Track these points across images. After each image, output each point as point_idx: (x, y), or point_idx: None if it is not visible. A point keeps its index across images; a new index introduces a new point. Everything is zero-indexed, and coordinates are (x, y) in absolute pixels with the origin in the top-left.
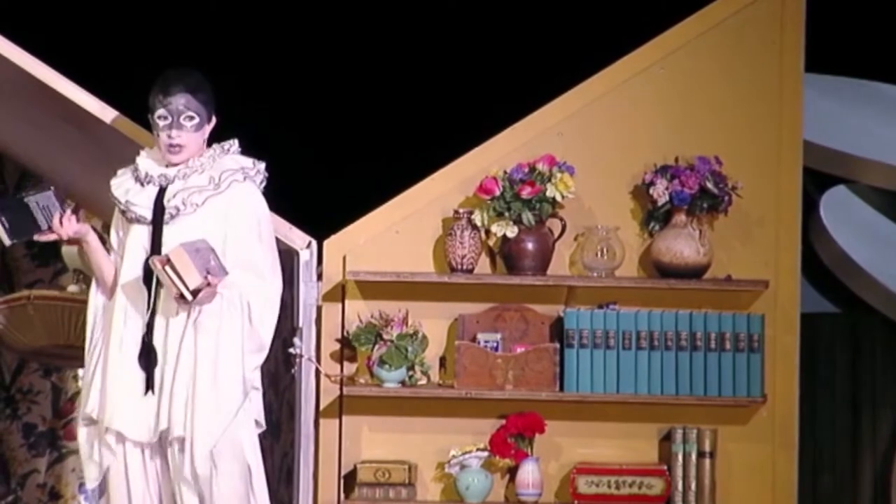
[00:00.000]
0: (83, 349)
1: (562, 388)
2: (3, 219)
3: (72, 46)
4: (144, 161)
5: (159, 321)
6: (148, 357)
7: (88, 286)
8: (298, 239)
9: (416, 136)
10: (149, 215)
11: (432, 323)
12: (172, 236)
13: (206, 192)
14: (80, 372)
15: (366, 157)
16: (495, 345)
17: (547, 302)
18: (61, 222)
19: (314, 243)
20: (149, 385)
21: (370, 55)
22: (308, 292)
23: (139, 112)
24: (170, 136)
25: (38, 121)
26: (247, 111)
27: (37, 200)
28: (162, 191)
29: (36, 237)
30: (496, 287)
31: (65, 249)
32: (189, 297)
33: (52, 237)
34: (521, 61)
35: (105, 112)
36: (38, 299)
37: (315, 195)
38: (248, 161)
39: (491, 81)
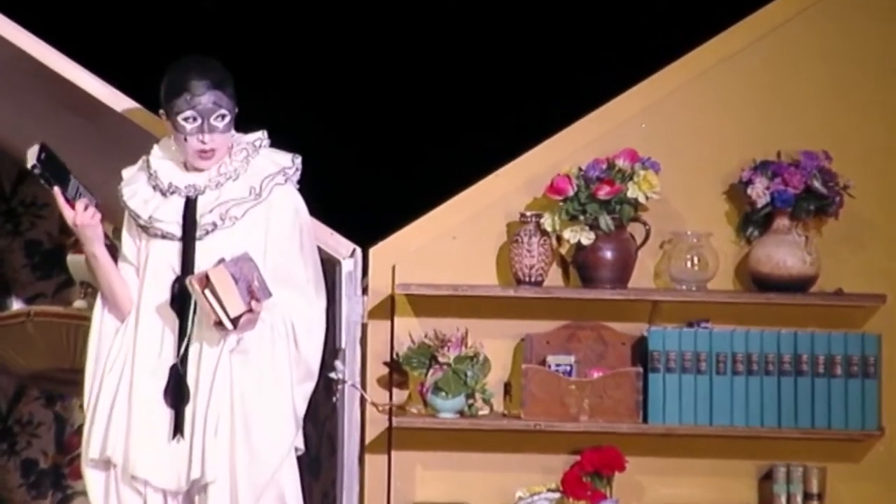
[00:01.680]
0: None
1: (645, 420)
2: (42, 154)
3: (78, 26)
4: (162, 164)
5: (191, 351)
6: (178, 393)
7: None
8: (341, 246)
9: (476, 128)
10: (178, 232)
11: (495, 343)
12: (207, 253)
13: (246, 203)
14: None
15: (417, 151)
16: (568, 369)
17: (628, 319)
18: (80, 207)
19: (358, 251)
20: (178, 426)
21: (421, 34)
22: (352, 308)
23: (155, 100)
24: (202, 141)
25: (40, 110)
26: (270, 98)
27: (78, 180)
28: (189, 201)
29: (55, 189)
30: (569, 302)
31: (70, 259)
32: (230, 326)
33: (64, 206)
34: (596, 42)
35: (116, 99)
36: (40, 316)
37: (358, 195)
38: (285, 158)
39: (562, 64)
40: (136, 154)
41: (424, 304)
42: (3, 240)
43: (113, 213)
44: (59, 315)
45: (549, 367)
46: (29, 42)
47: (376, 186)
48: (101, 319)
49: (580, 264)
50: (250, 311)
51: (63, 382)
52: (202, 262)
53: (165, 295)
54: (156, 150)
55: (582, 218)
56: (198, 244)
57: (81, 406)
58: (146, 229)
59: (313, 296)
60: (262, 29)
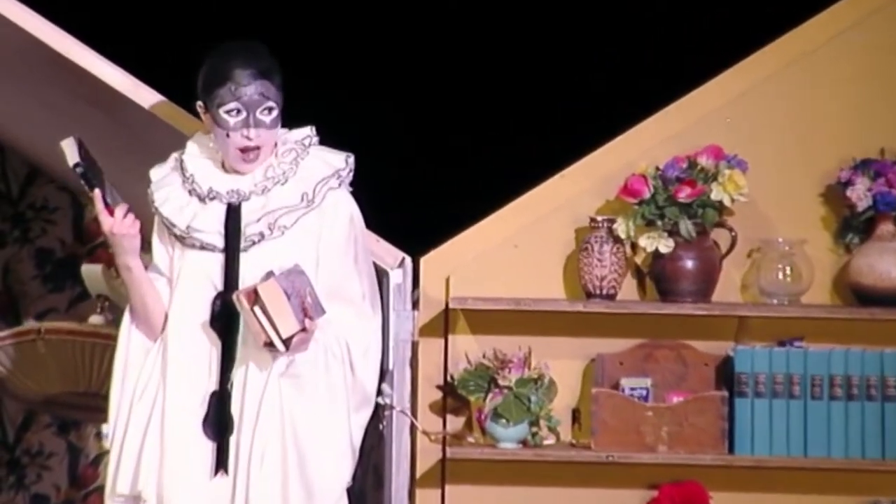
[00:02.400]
0: (108, 398)
1: (731, 450)
2: (81, 150)
3: (97, 10)
4: (198, 165)
5: (235, 375)
6: (220, 422)
7: (116, 317)
8: (388, 255)
9: (540, 123)
10: (220, 243)
11: (562, 364)
12: (252, 265)
13: (297, 211)
14: (105, 428)
15: (475, 148)
16: (644, 393)
17: (711, 337)
18: (119, 213)
19: (408, 261)
20: (220, 460)
21: (476, 22)
22: (401, 324)
23: (183, 93)
24: (248, 137)
25: (54, 103)
26: (310, 88)
27: (112, 184)
28: (232, 209)
29: (95, 192)
30: (645, 318)
31: (85, 269)
32: (282, 347)
33: (103, 212)
34: (676, 26)
35: (139, 92)
36: (51, 333)
37: (408, 196)
38: (338, 158)
39: (636, 51)
40: (160, 152)
41: (482, 320)
42: (10, 248)
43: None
44: (74, 332)
45: (623, 390)
46: (42, 27)
47: (428, 187)
48: (128, 338)
49: (658, 275)
50: (303, 330)
51: (77, 408)
52: (247, 276)
53: (205, 312)
54: (190, 148)
55: (660, 223)
56: (242, 256)
57: (98, 435)
58: (182, 239)
59: (369, 313)
60: (306, 15)
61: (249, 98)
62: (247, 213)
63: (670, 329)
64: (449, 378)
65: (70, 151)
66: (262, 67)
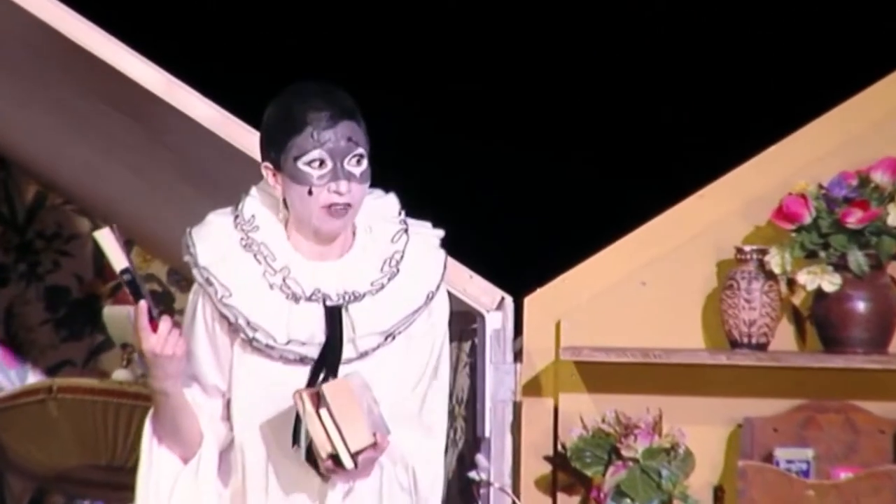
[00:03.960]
0: (137, 473)
1: None
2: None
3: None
4: (284, 251)
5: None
6: None
7: (143, 373)
8: (484, 294)
9: (671, 131)
10: (314, 354)
11: (701, 431)
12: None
13: (420, 312)
14: None
15: (589, 165)
16: (805, 467)
17: (889, 398)
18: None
19: (509, 301)
20: None
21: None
22: (499, 381)
23: (231, 94)
24: (338, 192)
25: (70, 106)
26: (392, 102)
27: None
28: (334, 312)
29: (141, 304)
30: (805, 373)
31: (108, 312)
32: (350, 463)
33: (146, 328)
34: (838, 17)
35: (172, 90)
36: (66, 392)
37: (508, 224)
38: (437, 241)
39: (790, 45)
40: (202, 168)
41: (601, 376)
42: (15, 286)
43: (167, 251)
44: (93, 391)
45: (778, 464)
46: (54, 12)
47: (534, 212)
48: (152, 457)
49: (821, 320)
50: (374, 445)
51: (97, 485)
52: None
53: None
54: (260, 224)
55: (823, 255)
56: (341, 368)
57: None
58: (267, 349)
59: (439, 433)
60: (383, 24)
61: (336, 144)
62: (361, 325)
63: (837, 387)
64: (559, 447)
65: (111, 249)
66: (346, 106)
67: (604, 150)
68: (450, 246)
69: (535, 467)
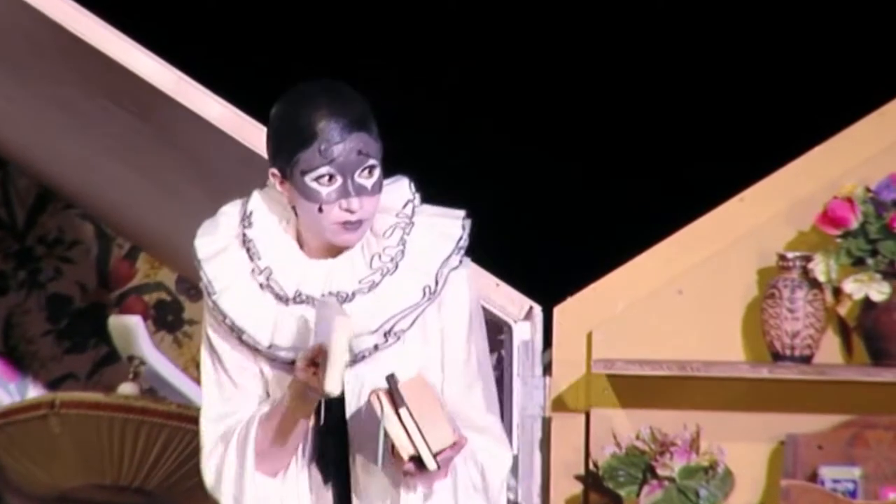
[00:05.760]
0: (144, 493)
1: None
2: None
3: None
4: (272, 245)
5: None
6: None
7: (150, 387)
8: (511, 304)
9: (708, 130)
10: None
11: (741, 448)
12: (356, 380)
13: (419, 308)
14: None
15: (621, 165)
16: (851, 487)
17: None
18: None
19: (538, 311)
20: None
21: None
22: (528, 395)
23: (243, 91)
24: (349, 210)
25: (74, 104)
26: (413, 96)
27: None
28: None
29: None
30: (852, 387)
31: (114, 322)
32: (432, 464)
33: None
34: (885, 7)
35: (181, 88)
36: (68, 407)
37: (537, 230)
38: (453, 224)
39: (833, 38)
40: (213, 170)
41: (635, 390)
42: (14, 295)
43: (174, 257)
44: (98, 406)
45: (823, 483)
46: (63, 8)
47: (564, 217)
48: (251, 481)
49: (869, 331)
50: (454, 444)
51: None
52: (352, 400)
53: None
54: (256, 223)
55: (871, 262)
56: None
57: None
58: (256, 350)
59: (497, 432)
60: (403, 25)
61: (346, 159)
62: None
63: (886, 402)
64: (591, 466)
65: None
66: (356, 115)
67: (640, 152)
68: (475, 253)
69: (566, 487)
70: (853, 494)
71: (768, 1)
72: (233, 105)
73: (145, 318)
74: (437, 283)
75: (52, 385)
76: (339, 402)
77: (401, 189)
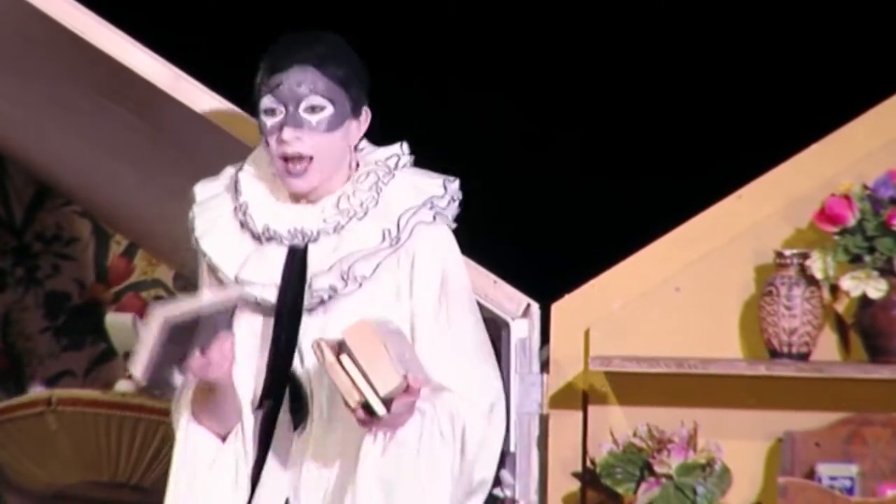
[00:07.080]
0: (141, 490)
1: None
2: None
3: None
4: (254, 190)
5: (309, 466)
6: None
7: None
8: (509, 301)
9: (706, 128)
10: (273, 298)
11: (739, 445)
12: (319, 329)
13: (377, 254)
14: None
15: (619, 163)
16: (849, 484)
17: None
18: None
19: (535, 308)
20: None
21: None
22: (525, 393)
23: (240, 89)
24: (281, 140)
25: (71, 101)
26: (401, 94)
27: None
28: (295, 253)
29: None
30: (850, 385)
31: (111, 320)
32: (381, 409)
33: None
34: (881, 5)
35: (179, 85)
36: (66, 404)
37: (534, 227)
38: (433, 183)
39: (832, 34)
40: (213, 168)
41: (633, 387)
42: (12, 292)
43: (171, 252)
44: (95, 403)
45: (820, 480)
46: (58, 4)
47: (561, 214)
48: (194, 442)
49: (866, 328)
50: (407, 389)
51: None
52: (314, 337)
53: (250, 384)
54: (248, 167)
55: (868, 259)
56: (306, 317)
57: None
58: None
59: (484, 383)
60: (403, 24)
61: (289, 89)
62: (315, 262)
63: (883, 400)
64: (589, 463)
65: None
66: (315, 53)
67: (637, 150)
68: (473, 250)
69: (563, 484)
70: (850, 492)
71: (766, 0)
72: (231, 102)
73: (143, 315)
74: (398, 228)
75: (50, 382)
76: (284, 357)
77: (393, 148)
